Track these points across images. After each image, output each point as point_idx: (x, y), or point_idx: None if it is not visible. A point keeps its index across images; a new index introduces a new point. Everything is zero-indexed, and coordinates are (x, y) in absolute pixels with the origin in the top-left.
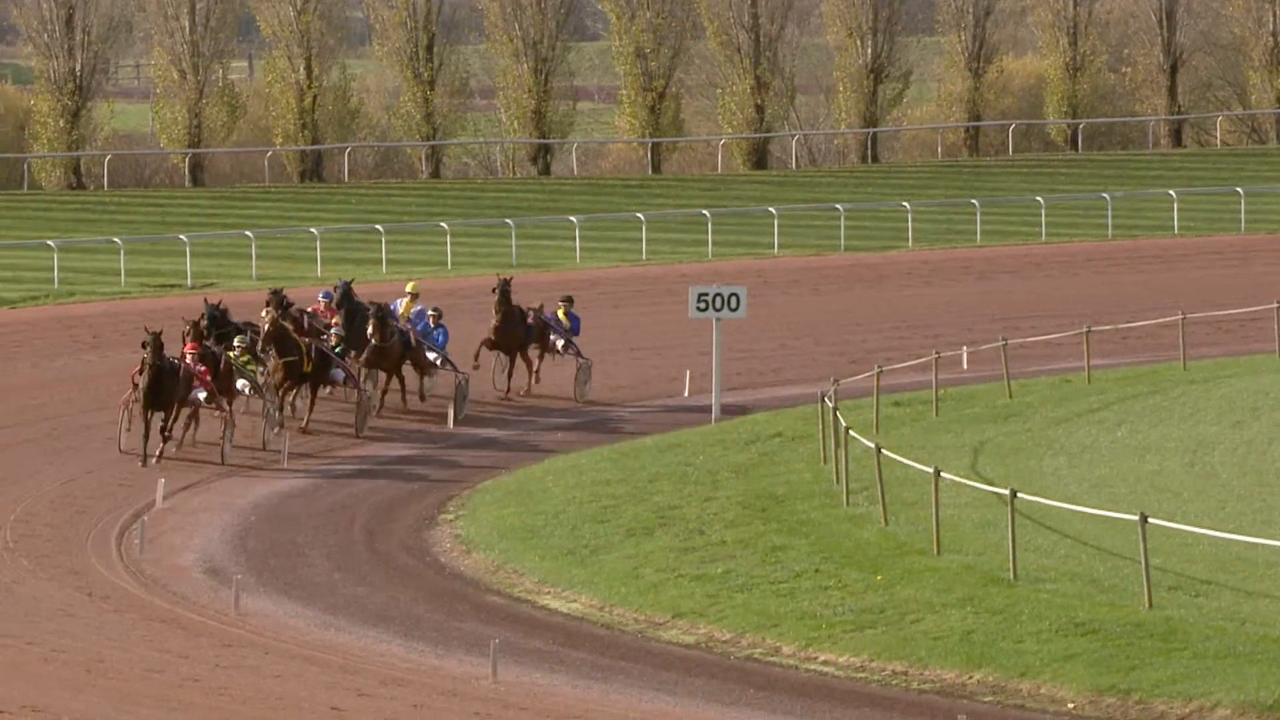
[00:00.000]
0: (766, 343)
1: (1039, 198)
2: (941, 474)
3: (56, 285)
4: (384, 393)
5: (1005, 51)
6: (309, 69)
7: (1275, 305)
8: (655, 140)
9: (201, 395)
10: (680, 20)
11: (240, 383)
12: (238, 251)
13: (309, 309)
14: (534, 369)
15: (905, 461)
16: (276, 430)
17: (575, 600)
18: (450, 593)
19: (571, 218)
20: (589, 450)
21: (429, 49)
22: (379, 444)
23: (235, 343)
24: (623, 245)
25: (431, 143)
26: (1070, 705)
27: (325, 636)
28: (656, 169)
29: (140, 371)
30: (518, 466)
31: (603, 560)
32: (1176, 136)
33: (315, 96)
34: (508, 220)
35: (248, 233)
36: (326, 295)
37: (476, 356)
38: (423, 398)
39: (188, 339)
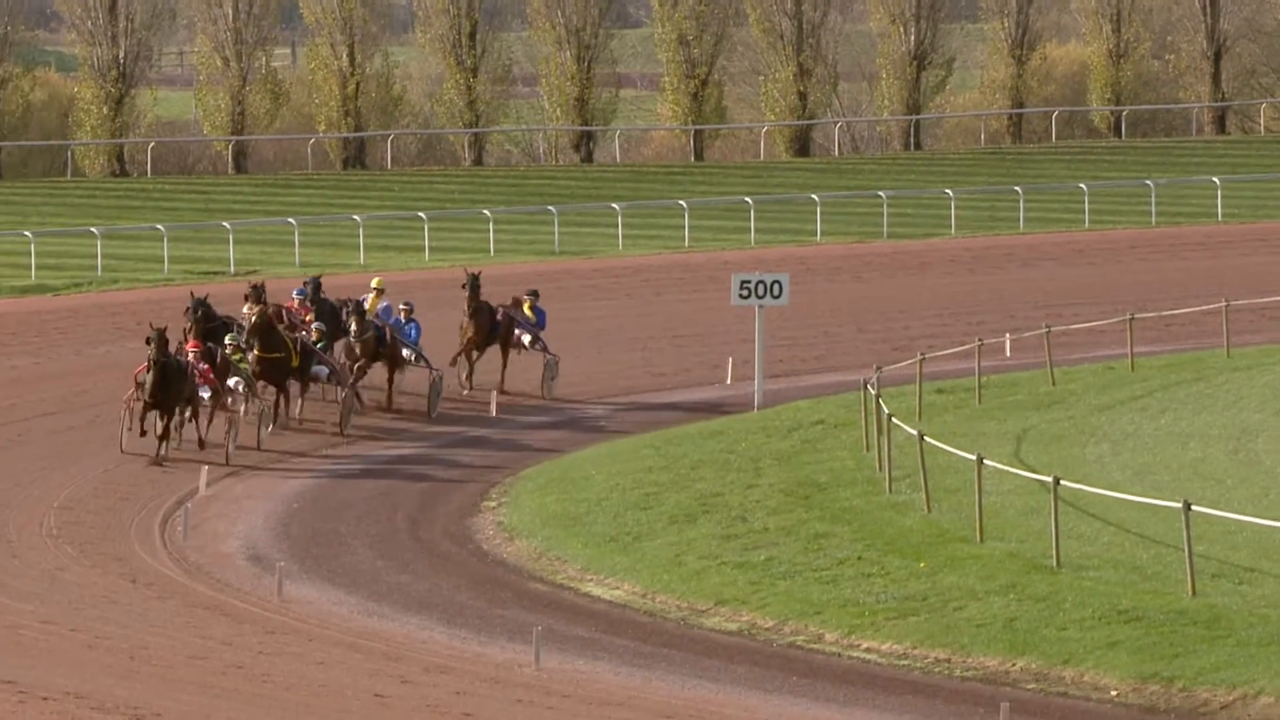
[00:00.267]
0: (809, 330)
1: (1082, 185)
2: (984, 461)
3: (100, 272)
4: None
5: (1048, 38)
6: (352, 56)
7: None
8: (698, 127)
9: (206, 394)
10: (723, 7)
11: (233, 380)
12: (281, 239)
13: (284, 305)
14: (503, 365)
15: (948, 449)
16: (270, 428)
17: (618, 587)
18: (493, 580)
19: (614, 205)
20: (631, 437)
21: (472, 36)
22: (417, 434)
23: (227, 340)
24: (665, 232)
25: (474, 130)
26: (1113, 693)
27: (368, 624)
28: (699, 156)
29: (146, 369)
30: (560, 454)
31: (645, 547)
32: (1220, 123)
33: (358, 84)
34: (550, 207)
35: (291, 220)
36: (301, 292)
37: (455, 360)
38: (390, 398)
39: (188, 336)
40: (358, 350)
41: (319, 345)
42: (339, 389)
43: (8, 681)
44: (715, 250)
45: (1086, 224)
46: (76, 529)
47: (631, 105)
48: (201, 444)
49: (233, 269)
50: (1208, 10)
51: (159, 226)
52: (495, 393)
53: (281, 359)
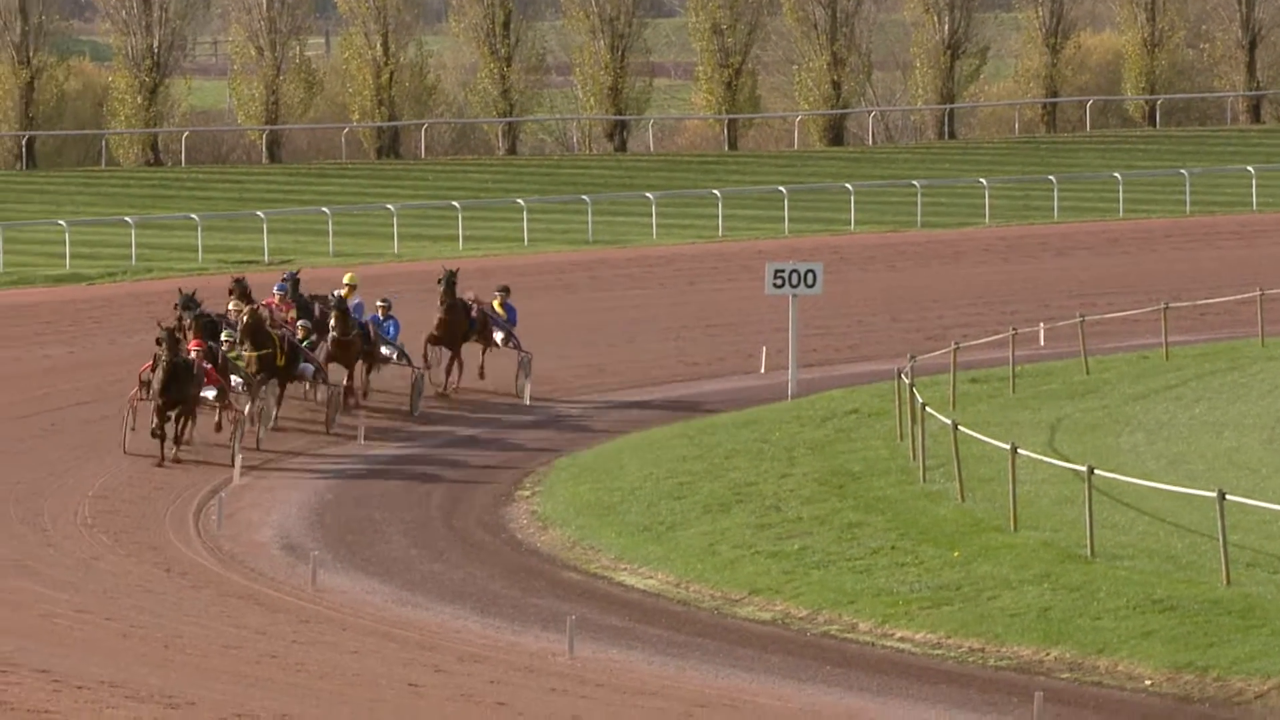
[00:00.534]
0: (843, 319)
1: (1116, 174)
2: (1018, 450)
3: (134, 262)
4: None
5: (1083, 27)
6: (386, 45)
7: None
8: (731, 116)
9: (211, 393)
10: None
11: (233, 379)
12: (315, 228)
13: (265, 302)
14: (479, 364)
15: (982, 438)
16: (268, 427)
17: (651, 576)
18: (526, 569)
19: (648, 194)
20: (665, 426)
21: (505, 25)
22: (452, 423)
23: (224, 337)
24: (699, 222)
25: (508, 119)
26: (1148, 682)
27: (402, 613)
28: (733, 145)
29: (151, 368)
30: (594, 443)
31: (679, 536)
32: (1255, 112)
33: (392, 73)
34: (584, 197)
35: (325, 209)
36: (281, 288)
37: (425, 355)
38: (365, 393)
39: (190, 334)
40: (337, 350)
41: (304, 343)
42: (322, 388)
43: (43, 670)
44: (749, 239)
45: (1121, 213)
46: (111, 518)
47: (665, 94)
48: (188, 441)
49: (266, 258)
50: None
51: (193, 216)
52: (528, 383)
53: (269, 357)
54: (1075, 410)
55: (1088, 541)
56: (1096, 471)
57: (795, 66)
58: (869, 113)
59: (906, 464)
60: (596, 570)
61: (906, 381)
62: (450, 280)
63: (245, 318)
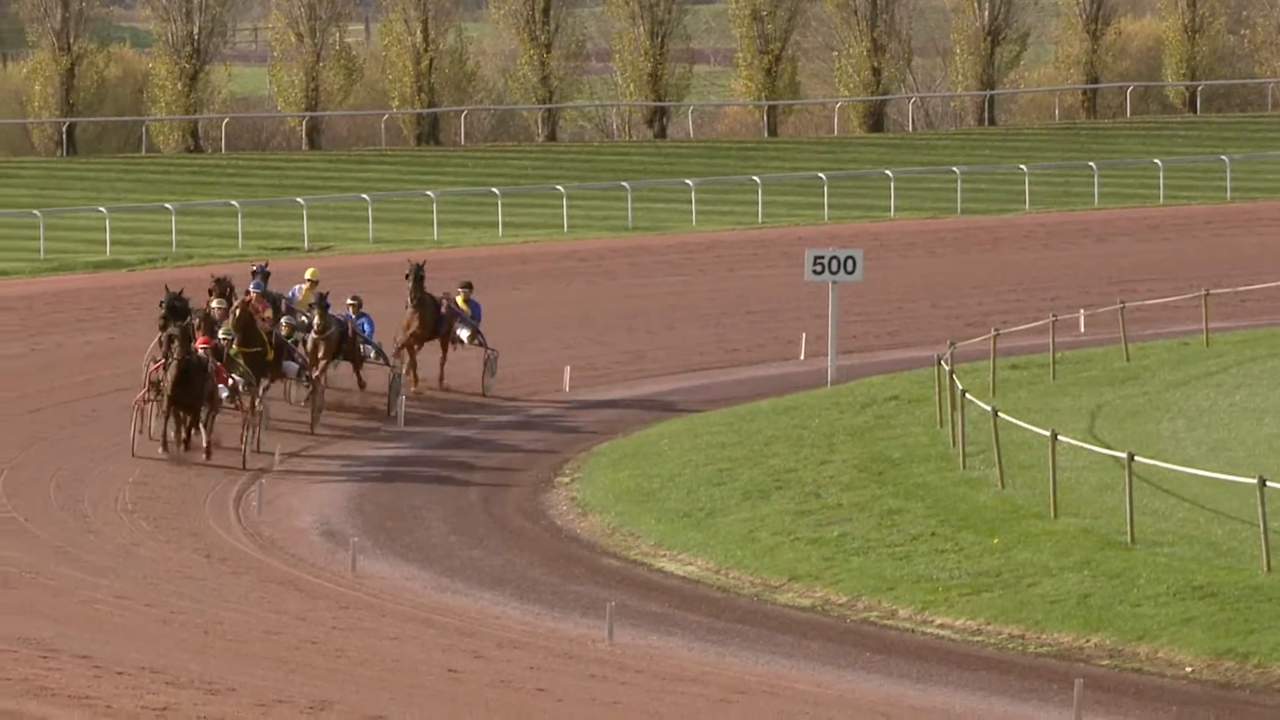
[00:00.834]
0: (882, 305)
1: (1157, 160)
2: (1058, 437)
3: (174, 248)
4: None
5: (1123, 13)
6: (425, 32)
7: None
8: (771, 103)
9: (224, 393)
10: None
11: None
12: (354, 214)
13: (241, 298)
14: (440, 362)
15: (1022, 425)
16: (266, 428)
17: (691, 563)
18: (566, 555)
19: (687, 181)
20: (705, 413)
21: (545, 12)
22: (488, 411)
23: (220, 334)
24: (739, 208)
25: (548, 106)
26: (1188, 668)
27: (442, 599)
28: (773, 132)
29: (163, 368)
30: (634, 430)
31: (719, 523)
32: None
33: (432, 60)
34: (624, 183)
35: (364, 196)
36: (258, 285)
37: (398, 352)
38: (321, 390)
39: (199, 332)
40: (320, 349)
41: (290, 340)
42: (298, 387)
43: (83, 656)
44: (788, 226)
45: (1161, 199)
46: (151, 504)
47: (705, 81)
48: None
49: (306, 245)
50: None
51: (233, 202)
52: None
53: (259, 354)
54: (1115, 397)
55: (1128, 528)
56: (1137, 458)
57: (835, 52)
58: (909, 99)
59: (946, 450)
60: (636, 556)
61: (946, 368)
62: (418, 274)
63: (237, 312)
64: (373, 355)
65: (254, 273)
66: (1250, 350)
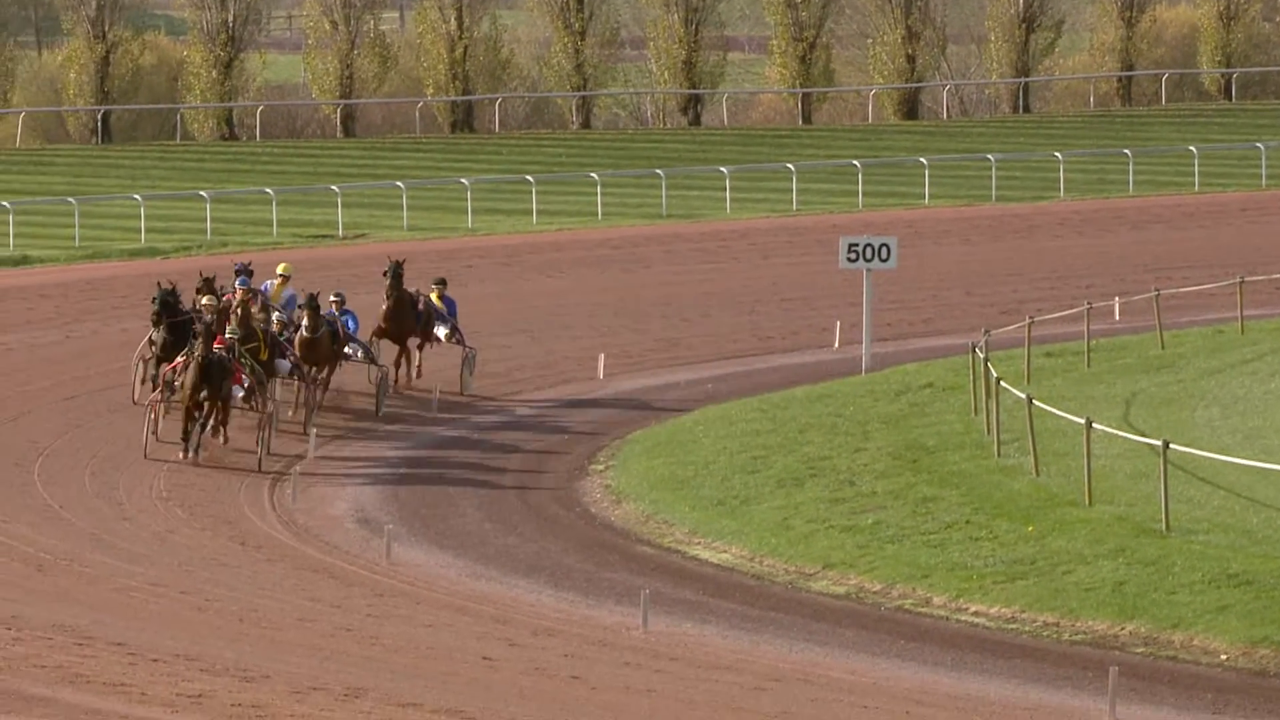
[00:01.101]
0: (917, 293)
1: (1192, 148)
2: (1093, 425)
3: (209, 235)
4: (325, 387)
5: (1158, 1)
6: (460, 20)
7: None
8: (806, 90)
9: (239, 393)
10: None
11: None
12: (389, 202)
13: (226, 296)
14: (418, 359)
15: (1057, 412)
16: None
17: (725, 551)
18: (600, 543)
19: (722, 168)
20: (739, 401)
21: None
22: (523, 398)
23: (228, 333)
24: (773, 196)
25: (582, 93)
26: (1223, 657)
27: (476, 586)
28: (807, 119)
29: (184, 367)
30: (668, 417)
31: (753, 511)
32: None
33: (466, 47)
34: (658, 171)
35: (399, 183)
36: (244, 282)
37: (398, 360)
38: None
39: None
40: (310, 350)
41: (282, 337)
42: (284, 385)
43: (118, 643)
44: (823, 213)
45: (1196, 187)
46: (186, 491)
47: (739, 68)
48: (226, 437)
49: (340, 232)
50: None
51: (267, 190)
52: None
53: (254, 350)
54: (1150, 384)
55: (1163, 516)
56: (1172, 446)
57: (869, 40)
58: (943, 86)
59: (981, 438)
60: (670, 544)
61: (981, 356)
62: (396, 271)
63: (239, 309)
64: (359, 355)
65: (237, 271)
66: None
